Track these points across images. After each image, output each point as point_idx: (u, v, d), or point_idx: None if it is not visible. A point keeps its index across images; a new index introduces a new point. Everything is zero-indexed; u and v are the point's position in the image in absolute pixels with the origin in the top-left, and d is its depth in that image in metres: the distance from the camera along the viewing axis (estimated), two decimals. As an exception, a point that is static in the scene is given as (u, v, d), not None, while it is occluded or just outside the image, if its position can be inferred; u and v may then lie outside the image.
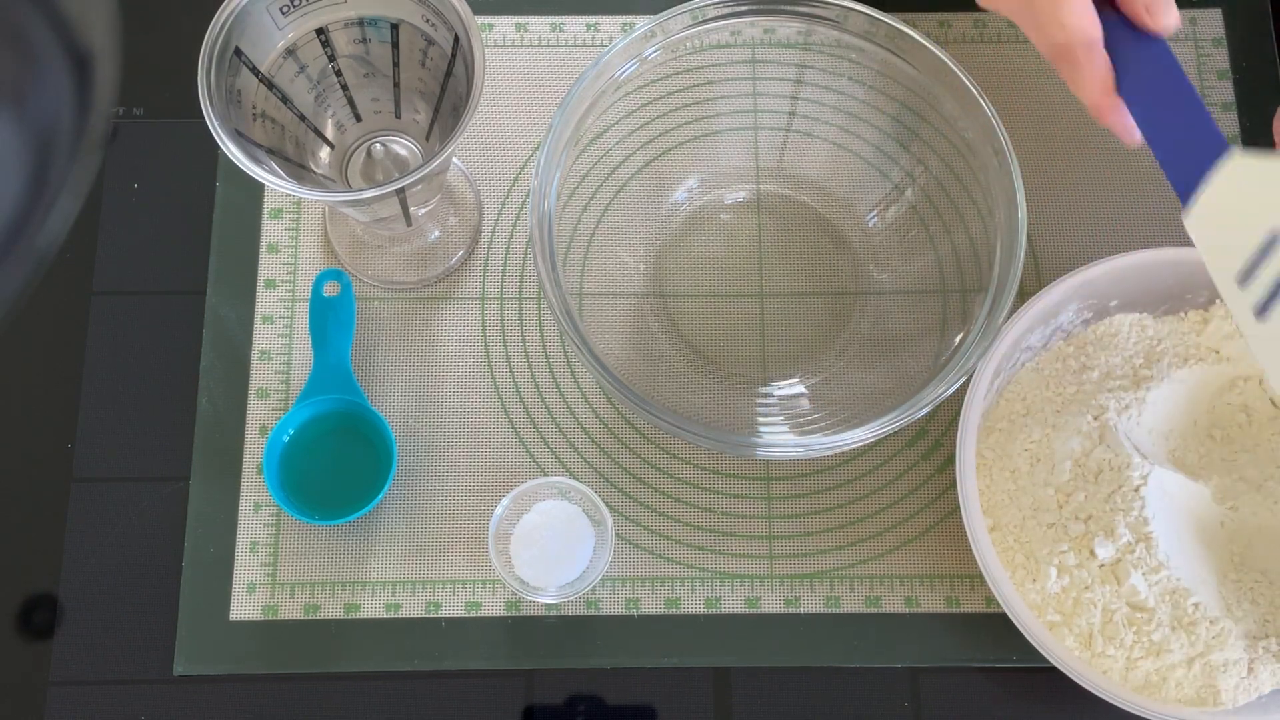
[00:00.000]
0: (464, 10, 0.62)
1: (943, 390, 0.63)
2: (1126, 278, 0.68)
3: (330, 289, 0.72)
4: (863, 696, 0.68)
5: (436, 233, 0.75)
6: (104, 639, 0.69)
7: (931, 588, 0.69)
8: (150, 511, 0.71)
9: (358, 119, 0.69)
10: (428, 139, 0.69)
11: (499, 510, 0.67)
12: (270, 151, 0.64)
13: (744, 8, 0.68)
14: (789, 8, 0.68)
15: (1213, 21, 0.80)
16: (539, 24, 0.80)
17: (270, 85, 0.64)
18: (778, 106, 0.76)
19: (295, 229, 0.75)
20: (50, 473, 0.71)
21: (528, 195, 0.66)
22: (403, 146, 0.70)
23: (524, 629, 0.68)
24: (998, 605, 0.64)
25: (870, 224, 0.75)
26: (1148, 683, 0.62)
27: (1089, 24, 0.55)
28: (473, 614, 0.69)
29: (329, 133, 0.69)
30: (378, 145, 0.68)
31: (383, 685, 0.68)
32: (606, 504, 0.68)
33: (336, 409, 0.70)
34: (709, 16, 0.68)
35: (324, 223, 0.75)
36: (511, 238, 0.76)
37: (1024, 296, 0.73)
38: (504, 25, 0.80)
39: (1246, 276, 0.50)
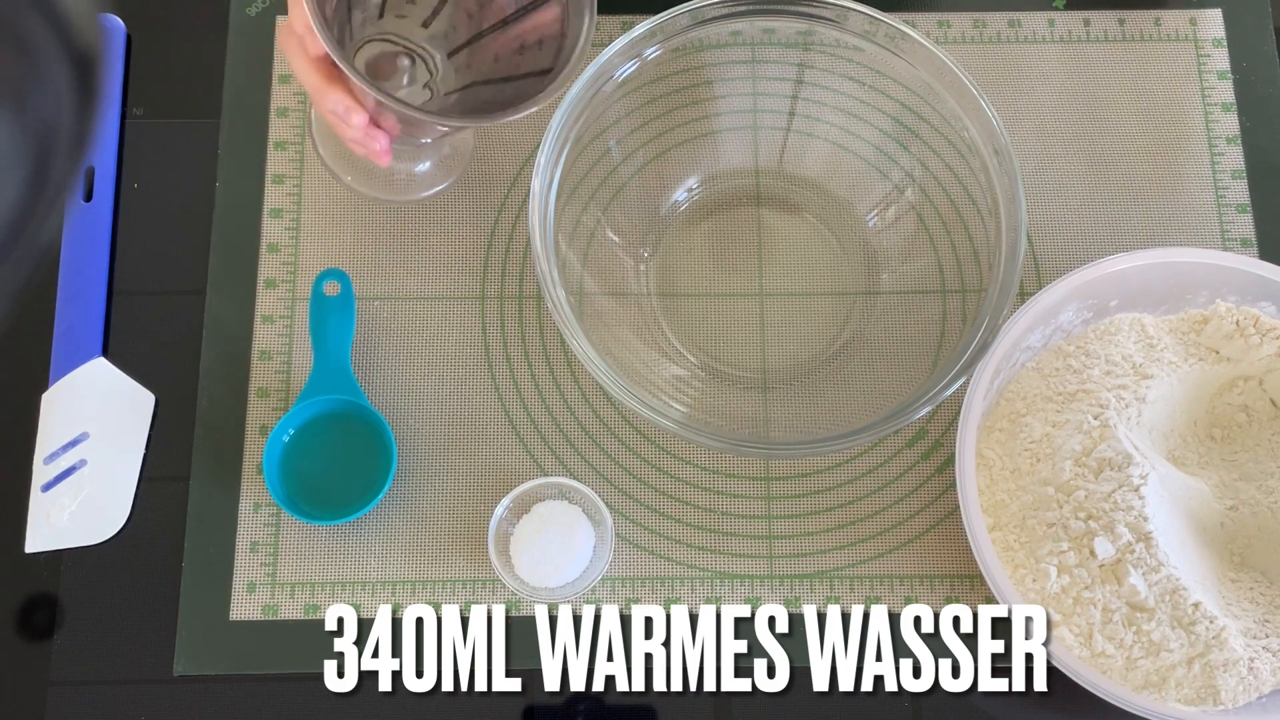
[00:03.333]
0: None
1: (943, 390, 0.63)
2: (1126, 278, 0.68)
3: (330, 289, 0.72)
4: (863, 696, 0.68)
5: (428, 164, 0.74)
6: (104, 639, 0.69)
7: (931, 588, 0.69)
8: (150, 511, 0.71)
9: (380, 14, 0.66)
10: (452, 56, 0.67)
11: (499, 510, 0.67)
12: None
13: (744, 8, 0.68)
14: (789, 8, 0.68)
15: (1213, 21, 0.80)
16: (539, 24, 0.80)
17: None
18: (778, 106, 0.76)
19: (295, 229, 0.75)
20: (50, 473, 0.71)
21: (528, 195, 0.66)
22: (412, 57, 0.68)
23: (524, 629, 0.68)
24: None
25: (870, 224, 0.75)
26: (1148, 682, 0.62)
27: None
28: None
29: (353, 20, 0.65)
30: (404, 59, 0.66)
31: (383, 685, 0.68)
32: (606, 504, 0.68)
33: (336, 409, 0.70)
34: (709, 16, 0.68)
35: (306, 125, 0.72)
36: (512, 237, 0.76)
37: (1024, 296, 0.73)
38: (504, 25, 0.80)
39: (52, 457, 0.71)
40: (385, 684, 0.68)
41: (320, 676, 0.68)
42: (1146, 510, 0.63)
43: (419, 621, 0.69)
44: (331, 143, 0.74)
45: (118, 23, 0.79)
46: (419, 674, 0.68)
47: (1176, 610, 0.62)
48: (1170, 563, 0.62)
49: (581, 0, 0.62)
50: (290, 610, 0.69)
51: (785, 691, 0.68)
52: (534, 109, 0.60)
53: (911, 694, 0.68)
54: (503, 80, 0.65)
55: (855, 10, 0.68)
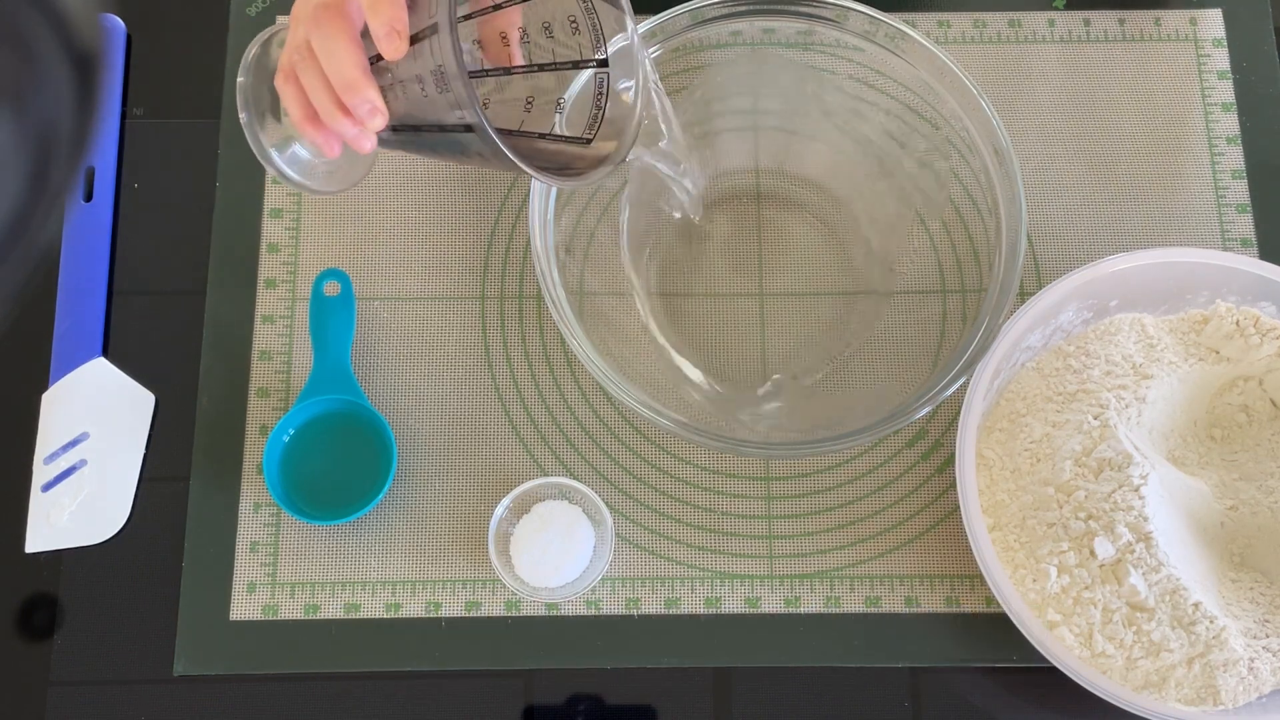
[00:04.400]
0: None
1: (943, 390, 0.63)
2: (1126, 278, 0.68)
3: (330, 289, 0.72)
4: (863, 696, 0.68)
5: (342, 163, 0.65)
6: (104, 639, 0.69)
7: (931, 588, 0.69)
8: (150, 511, 0.71)
9: None
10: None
11: (499, 510, 0.67)
12: None
13: (744, 8, 0.68)
14: (789, 8, 0.68)
15: (1213, 21, 0.80)
16: (539, 24, 0.80)
17: None
18: (778, 106, 0.76)
19: (295, 229, 0.75)
20: (50, 473, 0.71)
21: (528, 195, 0.66)
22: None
23: (524, 629, 0.69)
24: (998, 605, 0.64)
25: (870, 224, 0.75)
26: (1148, 682, 0.62)
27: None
28: (473, 614, 0.69)
29: None
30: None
31: (383, 685, 0.68)
32: (606, 504, 0.68)
33: (336, 409, 0.70)
34: (709, 16, 0.68)
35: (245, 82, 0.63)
36: (512, 237, 0.76)
37: (1024, 296, 0.73)
38: (504, 25, 0.80)
39: (52, 457, 0.71)
40: (384, 682, 0.68)
41: (320, 676, 0.68)
42: (1146, 510, 0.63)
43: (419, 621, 0.69)
44: (264, 112, 0.63)
45: (118, 23, 0.79)
46: (418, 673, 0.68)
47: (1176, 610, 0.62)
48: (1170, 563, 0.62)
49: (631, 68, 0.59)
50: (290, 610, 0.69)
51: (785, 689, 0.68)
52: (581, 183, 0.58)
53: (911, 693, 0.68)
54: (509, 133, 0.62)
55: (855, 10, 0.68)
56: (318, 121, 0.57)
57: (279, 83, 0.58)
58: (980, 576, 0.67)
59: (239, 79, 0.61)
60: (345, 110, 0.56)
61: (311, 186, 0.63)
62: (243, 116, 0.61)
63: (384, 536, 0.70)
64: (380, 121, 0.56)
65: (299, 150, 0.62)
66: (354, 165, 0.65)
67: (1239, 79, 0.79)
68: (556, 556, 0.67)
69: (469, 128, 0.53)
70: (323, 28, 0.55)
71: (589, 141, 0.60)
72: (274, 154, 0.62)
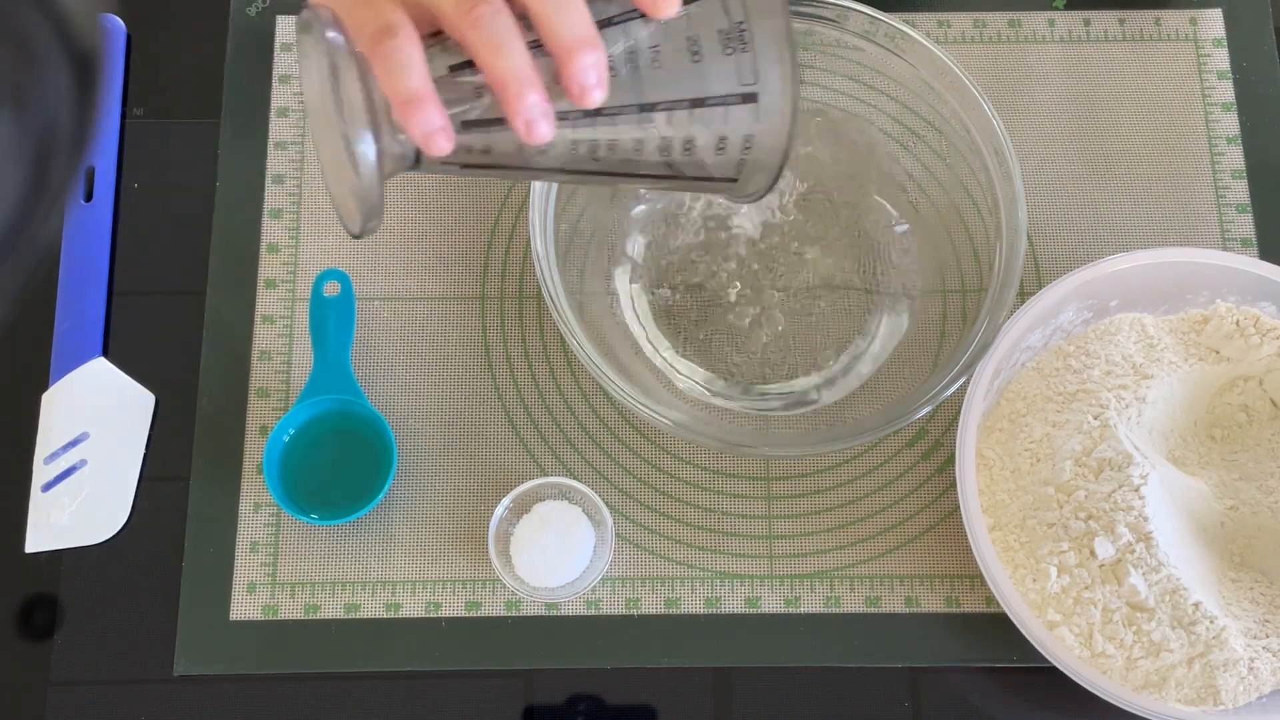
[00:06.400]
0: None
1: (943, 390, 0.63)
2: (1126, 278, 0.68)
3: (330, 289, 0.72)
4: (863, 696, 0.68)
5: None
6: (104, 639, 0.69)
7: (931, 588, 0.69)
8: (150, 511, 0.71)
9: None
10: None
11: (499, 510, 0.67)
12: None
13: (744, 8, 0.68)
14: (789, 8, 0.68)
15: (1213, 21, 0.80)
16: (539, 24, 0.80)
17: None
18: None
19: (295, 229, 0.75)
20: (50, 473, 0.71)
21: (528, 195, 0.66)
22: None
23: (524, 629, 0.69)
24: (998, 605, 0.64)
25: (871, 224, 0.75)
26: (1147, 683, 0.62)
27: None
28: (473, 614, 0.69)
29: None
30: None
31: (383, 685, 0.68)
32: (606, 504, 0.68)
33: (336, 409, 0.70)
34: (709, 16, 0.68)
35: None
36: (512, 237, 0.76)
37: (1024, 296, 0.73)
38: (504, 25, 0.80)
39: (52, 457, 0.71)
40: (384, 682, 0.68)
41: (320, 676, 0.68)
42: (1147, 510, 0.63)
43: (418, 621, 0.69)
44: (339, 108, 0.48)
45: (118, 23, 0.79)
46: (418, 673, 0.68)
47: (1176, 610, 0.62)
48: (1170, 563, 0.62)
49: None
50: (290, 610, 0.69)
51: (785, 689, 0.68)
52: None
53: (911, 693, 0.68)
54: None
55: (855, 10, 0.68)
56: (434, 99, 0.44)
57: (379, 45, 0.44)
58: (980, 576, 0.67)
59: (306, 79, 0.46)
60: (534, 81, 0.44)
61: (355, 223, 0.47)
62: (355, 129, 0.44)
63: (384, 536, 0.70)
64: (600, 96, 0.45)
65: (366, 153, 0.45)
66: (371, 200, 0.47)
67: (1239, 79, 0.79)
68: (556, 556, 0.67)
69: (748, 97, 0.44)
70: (490, 26, 0.44)
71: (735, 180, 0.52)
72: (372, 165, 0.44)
